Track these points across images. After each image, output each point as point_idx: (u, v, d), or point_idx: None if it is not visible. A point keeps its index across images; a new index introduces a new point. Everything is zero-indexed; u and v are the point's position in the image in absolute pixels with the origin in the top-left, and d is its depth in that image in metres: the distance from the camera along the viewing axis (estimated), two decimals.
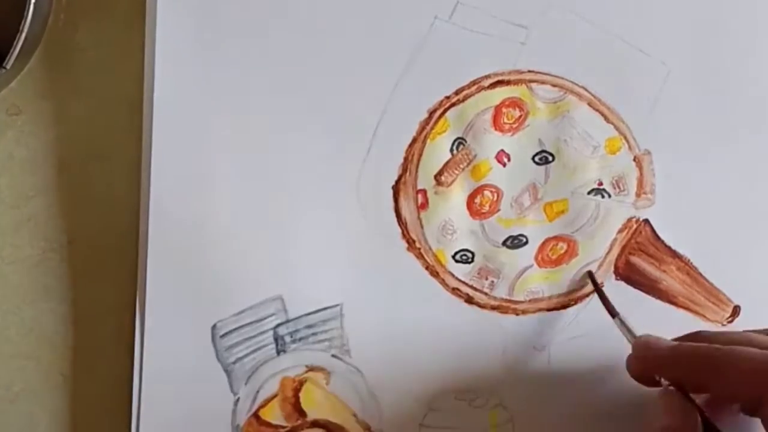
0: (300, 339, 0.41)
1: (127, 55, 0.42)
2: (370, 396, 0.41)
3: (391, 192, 0.42)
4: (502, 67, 0.42)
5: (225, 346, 0.41)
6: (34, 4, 0.39)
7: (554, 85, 0.42)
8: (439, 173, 0.42)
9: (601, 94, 0.42)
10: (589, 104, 0.42)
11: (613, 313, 0.40)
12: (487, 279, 0.42)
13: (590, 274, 0.41)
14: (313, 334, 0.41)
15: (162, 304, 0.41)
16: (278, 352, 0.41)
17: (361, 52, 0.41)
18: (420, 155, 0.42)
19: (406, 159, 0.42)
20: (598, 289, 0.41)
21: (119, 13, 0.42)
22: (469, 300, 0.42)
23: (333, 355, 0.41)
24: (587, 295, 0.42)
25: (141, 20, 0.41)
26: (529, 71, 0.42)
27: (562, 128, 0.42)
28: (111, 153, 0.42)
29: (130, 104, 0.41)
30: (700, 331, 0.38)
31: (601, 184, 0.42)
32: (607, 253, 0.42)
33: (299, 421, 0.41)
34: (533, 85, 0.42)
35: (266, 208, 0.41)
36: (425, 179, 0.42)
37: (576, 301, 0.42)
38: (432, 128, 0.42)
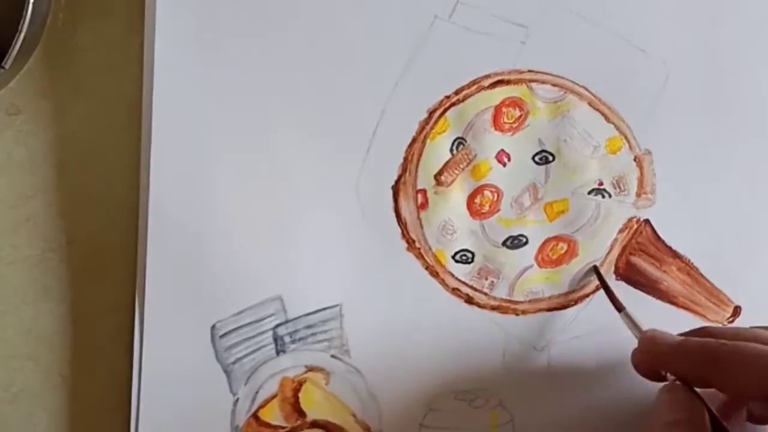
0: (299, 339, 0.41)
1: (126, 54, 0.41)
2: (369, 396, 0.41)
3: (390, 192, 0.41)
4: (502, 67, 0.42)
5: (224, 346, 0.41)
6: (33, 3, 0.39)
7: (554, 85, 0.42)
8: (439, 173, 0.42)
9: (601, 94, 0.42)
10: (590, 104, 0.42)
11: (619, 307, 0.40)
12: (487, 279, 0.42)
13: (596, 269, 0.41)
14: (313, 334, 0.41)
15: (161, 305, 0.41)
16: (278, 353, 0.41)
17: (361, 52, 0.41)
18: (420, 155, 0.42)
19: (405, 159, 0.41)
20: (604, 284, 0.41)
21: (118, 13, 0.42)
22: (469, 300, 0.42)
23: (332, 356, 0.41)
24: (587, 296, 0.42)
25: (140, 20, 0.41)
26: (529, 71, 0.42)
27: (563, 128, 0.42)
28: (110, 153, 0.42)
29: (129, 104, 0.41)
30: (706, 327, 0.38)
31: (601, 184, 0.42)
32: (608, 254, 0.42)
33: (299, 422, 0.41)
34: (533, 84, 0.42)
35: (265, 208, 0.41)
36: (425, 179, 0.42)
37: (576, 301, 0.42)
38: (432, 128, 0.42)
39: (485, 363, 0.41)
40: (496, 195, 0.42)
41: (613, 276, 0.42)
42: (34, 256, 0.41)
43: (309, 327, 0.41)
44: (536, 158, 0.42)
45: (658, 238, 0.42)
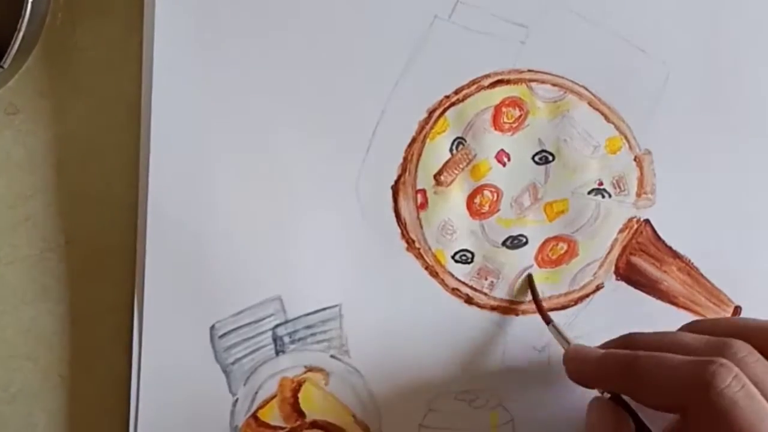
0: (299, 339, 0.41)
1: (125, 54, 0.41)
2: (369, 397, 0.41)
3: (390, 192, 0.41)
4: (502, 67, 0.42)
5: (224, 346, 0.41)
6: (32, 3, 0.39)
7: (554, 85, 0.42)
8: (439, 173, 0.42)
9: (601, 94, 0.42)
10: (590, 104, 0.42)
11: (547, 320, 0.40)
12: (486, 279, 0.42)
13: (530, 278, 0.41)
14: (312, 334, 0.41)
15: (160, 305, 0.40)
16: (277, 353, 0.41)
17: (361, 52, 0.41)
18: (419, 155, 0.41)
19: (405, 159, 0.41)
20: (535, 296, 0.41)
21: (117, 12, 0.41)
22: (469, 300, 0.42)
23: (332, 356, 0.41)
24: (587, 296, 0.42)
25: (139, 20, 0.41)
26: (529, 70, 0.42)
27: (562, 128, 0.42)
28: (109, 152, 0.41)
29: (128, 104, 0.41)
30: (630, 334, 0.38)
31: (601, 184, 0.42)
32: (608, 254, 0.42)
33: (298, 422, 0.41)
34: (533, 84, 0.42)
35: (265, 207, 0.41)
36: (425, 179, 0.42)
37: (576, 301, 0.42)
38: (431, 128, 0.41)
39: (485, 363, 0.41)
40: (495, 195, 0.42)
41: (613, 276, 0.42)
42: (33, 255, 0.41)
43: (308, 327, 0.41)
44: (536, 158, 0.42)
45: (659, 238, 0.42)
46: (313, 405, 0.41)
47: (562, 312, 0.42)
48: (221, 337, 0.41)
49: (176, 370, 0.40)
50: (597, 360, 0.36)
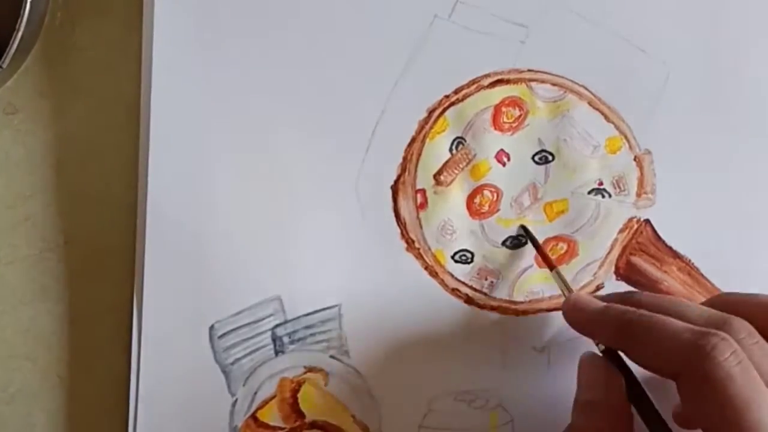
0: (298, 340, 0.41)
1: (124, 54, 0.41)
2: (368, 397, 0.41)
3: (389, 192, 0.41)
4: (502, 66, 0.42)
5: (223, 346, 0.41)
6: (31, 2, 0.39)
7: (554, 84, 0.42)
8: (439, 173, 0.42)
9: (601, 94, 0.42)
10: (589, 103, 0.42)
11: (551, 265, 0.40)
12: (486, 279, 0.42)
13: (523, 228, 0.41)
14: (312, 334, 0.41)
15: (160, 305, 0.40)
16: (276, 353, 0.41)
17: (360, 51, 0.41)
18: (419, 155, 0.41)
19: (405, 158, 0.41)
20: (534, 243, 0.41)
21: (116, 12, 0.41)
22: (469, 300, 0.41)
23: (331, 356, 0.41)
24: None
25: (138, 19, 0.41)
26: (529, 70, 0.42)
27: (562, 127, 0.42)
28: (108, 152, 0.41)
29: (127, 103, 0.41)
30: (633, 292, 0.38)
31: (601, 183, 0.42)
32: (608, 254, 0.42)
33: (297, 423, 0.41)
34: (533, 84, 0.42)
35: (264, 207, 0.41)
36: (424, 179, 0.41)
37: None
38: (431, 127, 0.41)
39: (485, 363, 0.41)
40: (495, 195, 0.42)
41: (614, 276, 0.42)
42: (32, 255, 0.41)
43: (308, 327, 0.41)
44: (536, 158, 0.42)
45: (659, 238, 0.42)
46: (313, 405, 0.41)
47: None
48: (220, 337, 0.41)
49: (175, 370, 0.40)
50: (597, 312, 0.36)
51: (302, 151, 0.41)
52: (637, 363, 0.35)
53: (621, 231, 0.42)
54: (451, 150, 0.42)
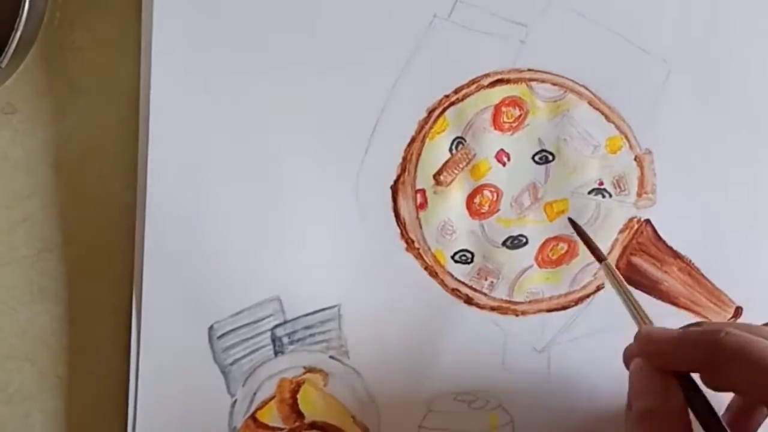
0: (298, 340, 0.41)
1: (123, 54, 0.41)
2: (368, 397, 0.41)
3: (389, 192, 0.41)
4: (502, 66, 0.41)
5: (222, 347, 0.41)
6: (30, 2, 0.39)
7: (554, 84, 0.42)
8: (438, 173, 0.41)
9: (601, 93, 0.42)
10: (590, 103, 0.42)
11: (600, 257, 0.39)
12: (486, 279, 0.42)
13: (570, 220, 0.41)
14: (311, 335, 0.41)
15: (158, 305, 0.40)
16: (276, 354, 0.41)
17: (360, 51, 0.41)
18: (419, 155, 0.41)
19: (404, 158, 0.41)
20: (582, 235, 0.40)
21: (115, 11, 0.41)
22: (469, 301, 0.41)
23: (331, 357, 0.41)
24: (588, 296, 0.42)
25: (137, 19, 0.41)
26: (529, 70, 0.42)
27: (563, 127, 0.42)
28: (107, 152, 0.41)
29: (126, 103, 0.41)
30: (701, 322, 0.37)
31: (601, 183, 0.42)
32: (608, 254, 0.42)
33: (297, 423, 0.41)
34: (533, 83, 0.42)
35: (263, 208, 0.41)
36: (424, 179, 0.41)
37: (576, 302, 0.42)
38: (431, 127, 0.41)
39: (485, 364, 0.41)
40: (495, 195, 0.42)
41: None
42: (31, 256, 0.41)
43: (307, 328, 0.41)
44: (536, 158, 0.42)
45: (659, 238, 0.42)
46: (312, 406, 0.41)
47: (563, 312, 0.42)
48: (220, 337, 0.41)
49: (174, 370, 0.40)
50: (675, 338, 0.34)
51: (301, 151, 0.41)
52: (721, 387, 0.33)
53: (621, 231, 0.42)
54: (450, 150, 0.42)
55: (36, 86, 0.41)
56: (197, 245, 0.41)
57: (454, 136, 0.42)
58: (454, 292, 0.41)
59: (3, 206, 0.41)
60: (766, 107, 0.42)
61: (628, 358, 0.37)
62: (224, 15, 0.41)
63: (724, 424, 0.33)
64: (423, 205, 0.41)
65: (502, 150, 0.42)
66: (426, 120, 0.41)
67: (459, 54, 0.41)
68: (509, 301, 0.42)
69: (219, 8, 0.41)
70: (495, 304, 0.42)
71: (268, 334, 0.41)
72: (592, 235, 0.42)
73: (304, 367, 0.41)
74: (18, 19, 0.38)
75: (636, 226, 0.42)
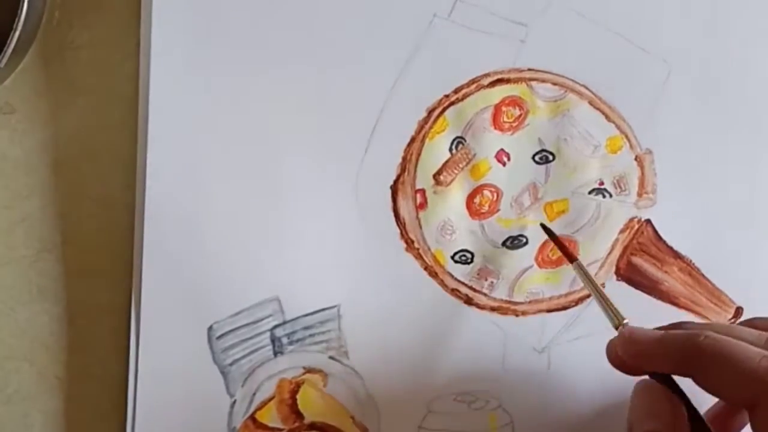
0: (297, 340, 0.41)
1: (122, 53, 0.41)
2: (368, 398, 0.41)
3: (389, 192, 0.41)
4: (502, 66, 0.41)
5: (221, 347, 0.40)
6: (29, 1, 0.39)
7: (554, 84, 0.42)
8: (438, 173, 0.41)
9: (601, 93, 0.42)
10: (590, 103, 0.42)
11: (571, 258, 0.39)
12: (486, 280, 0.41)
13: (542, 226, 0.40)
14: (311, 335, 0.41)
15: (158, 305, 0.40)
16: (275, 354, 0.41)
17: (359, 51, 0.41)
18: (419, 154, 0.41)
19: (404, 158, 0.41)
20: (553, 237, 0.40)
21: (114, 11, 0.41)
22: (469, 301, 0.41)
23: (330, 357, 0.41)
24: (588, 296, 0.42)
25: (136, 18, 0.41)
26: (529, 69, 0.41)
27: (563, 127, 0.42)
28: (106, 152, 0.41)
29: (125, 103, 0.41)
30: (683, 323, 0.36)
31: (602, 183, 0.42)
32: (609, 254, 0.42)
33: (296, 424, 0.41)
34: (533, 83, 0.41)
35: (263, 207, 0.41)
36: (424, 179, 0.41)
37: (577, 302, 0.42)
38: (431, 127, 0.41)
39: (485, 364, 0.41)
40: (495, 195, 0.41)
41: (614, 276, 0.42)
42: (30, 256, 0.41)
43: (307, 328, 0.41)
44: (536, 158, 0.42)
45: (660, 238, 0.42)
46: (312, 406, 0.41)
47: (563, 312, 0.42)
48: (219, 338, 0.40)
49: (174, 371, 0.40)
50: (656, 340, 0.34)
51: (301, 151, 0.41)
52: (705, 389, 0.33)
53: (622, 231, 0.42)
54: (450, 150, 0.41)
55: (35, 86, 0.41)
56: (196, 245, 0.40)
57: (454, 136, 0.41)
58: (454, 292, 0.41)
59: (1, 206, 0.41)
60: (767, 107, 0.42)
61: (611, 353, 0.36)
62: (224, 15, 0.41)
63: (708, 425, 0.33)
64: (423, 205, 0.41)
65: (502, 150, 0.42)
66: (426, 120, 0.41)
67: (459, 54, 0.41)
68: (509, 302, 0.42)
69: (218, 8, 0.41)
70: (495, 304, 0.41)
71: (268, 334, 0.41)
72: (592, 235, 0.42)
73: (304, 368, 0.41)
74: (17, 19, 0.38)
75: (636, 226, 0.42)
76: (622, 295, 0.41)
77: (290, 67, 0.41)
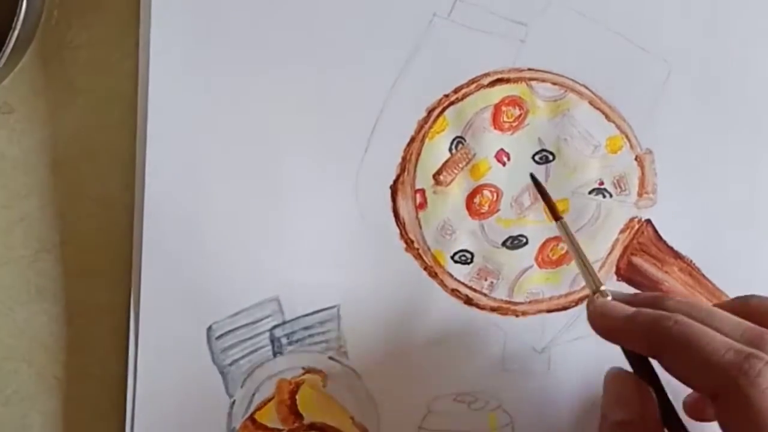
0: (297, 341, 0.41)
1: (121, 52, 0.41)
2: (367, 398, 0.41)
3: (389, 192, 0.41)
4: (502, 65, 0.41)
5: (221, 348, 0.40)
6: (27, 1, 0.38)
7: (554, 83, 0.41)
8: (438, 173, 0.41)
9: (602, 93, 0.42)
10: (590, 103, 0.42)
11: (557, 216, 0.38)
12: (486, 280, 0.41)
13: (532, 176, 0.40)
14: (310, 335, 0.41)
15: (157, 305, 0.40)
16: (275, 354, 0.41)
17: (359, 51, 0.41)
18: (418, 154, 0.41)
19: (404, 158, 0.41)
20: (542, 192, 0.39)
21: (113, 10, 0.41)
22: (468, 301, 0.41)
23: (330, 357, 0.41)
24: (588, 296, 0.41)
25: (135, 18, 0.41)
26: (529, 69, 0.41)
27: (563, 127, 0.41)
28: (105, 152, 0.41)
29: (124, 103, 0.41)
30: (661, 296, 0.36)
31: (602, 183, 0.42)
32: (609, 254, 0.42)
33: (296, 424, 0.41)
34: (533, 83, 0.41)
35: (262, 207, 0.41)
36: (424, 179, 0.41)
37: (577, 302, 0.42)
38: (431, 127, 0.41)
39: (485, 365, 0.41)
40: (495, 195, 0.41)
41: (614, 277, 0.42)
42: (28, 256, 0.41)
43: (306, 328, 0.41)
44: (536, 157, 0.41)
45: (660, 238, 0.42)
46: (311, 407, 0.41)
47: (563, 313, 0.42)
48: (218, 338, 0.40)
49: (173, 371, 0.40)
50: (626, 318, 0.34)
51: (300, 151, 0.41)
52: (669, 373, 0.33)
53: (622, 231, 0.42)
54: (450, 150, 0.41)
55: (33, 85, 0.41)
56: (196, 245, 0.40)
57: (453, 136, 0.41)
58: (454, 292, 0.41)
59: (0, 206, 0.41)
60: (767, 107, 0.42)
61: (589, 322, 0.36)
62: (223, 14, 0.41)
63: (677, 414, 0.34)
64: (422, 205, 0.41)
65: (502, 150, 0.41)
66: (425, 119, 0.41)
67: (459, 53, 0.41)
68: (509, 302, 0.41)
69: (218, 7, 0.41)
70: (495, 304, 0.41)
71: (267, 334, 0.41)
72: (592, 235, 0.41)
73: (303, 368, 0.41)
74: (15, 18, 0.38)
75: (637, 226, 0.42)
76: None
77: (290, 67, 0.41)
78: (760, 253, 0.42)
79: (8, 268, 0.41)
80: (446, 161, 0.41)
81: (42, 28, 0.41)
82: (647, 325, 0.33)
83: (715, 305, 0.36)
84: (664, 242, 0.42)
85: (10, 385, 0.41)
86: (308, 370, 0.41)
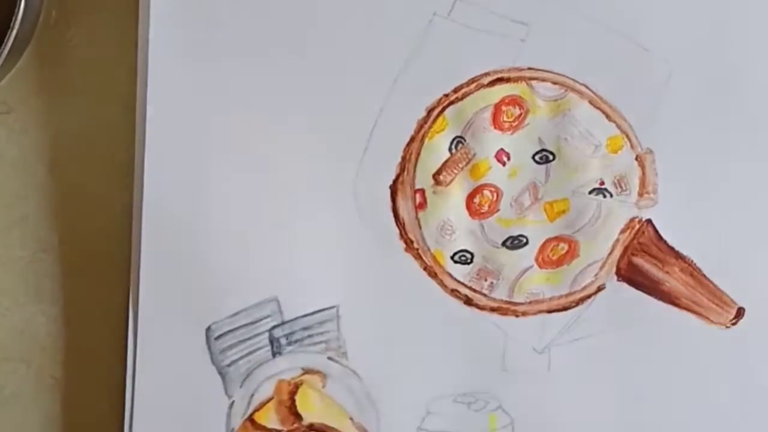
0: (296, 341, 0.41)
1: (120, 52, 0.41)
2: (367, 399, 0.41)
3: (388, 192, 0.41)
4: (502, 65, 0.41)
5: (220, 348, 0.40)
6: (26, 1, 0.38)
7: (555, 83, 0.41)
8: (438, 172, 0.41)
9: (602, 92, 0.41)
10: (591, 102, 0.41)
11: None
12: (486, 280, 0.41)
13: None
14: (309, 336, 0.41)
15: (155, 306, 0.40)
16: (274, 355, 0.41)
17: (359, 50, 0.41)
18: (418, 154, 0.41)
19: (403, 158, 0.41)
20: None
21: (112, 9, 0.41)
22: (468, 301, 0.41)
23: (329, 358, 0.41)
24: (588, 297, 0.42)
25: (134, 17, 0.41)
26: (529, 69, 0.41)
27: (563, 127, 0.41)
28: (104, 152, 0.41)
29: (123, 102, 0.41)
30: None
31: (602, 183, 0.41)
32: (609, 254, 0.42)
33: (295, 425, 0.41)
34: (533, 82, 0.41)
35: (261, 208, 0.41)
36: (423, 179, 0.41)
37: (577, 302, 0.41)
38: (430, 127, 0.41)
39: (484, 365, 0.41)
40: (495, 195, 0.41)
41: (615, 277, 0.42)
42: (27, 256, 0.41)
43: (305, 329, 0.41)
44: (536, 157, 0.41)
45: (661, 238, 0.42)
46: (310, 407, 0.41)
47: (563, 313, 0.41)
48: (217, 338, 0.40)
49: (172, 371, 0.40)
50: None
51: (300, 151, 0.41)
52: None
53: (622, 231, 0.42)
54: (450, 149, 0.41)
55: (32, 85, 0.41)
56: (194, 245, 0.40)
57: (453, 136, 0.41)
58: (454, 292, 0.41)
59: None
60: None
61: None
62: (222, 14, 0.41)
63: None
64: (422, 205, 0.41)
65: (502, 149, 0.41)
66: (425, 119, 0.41)
67: (458, 52, 0.41)
68: (509, 302, 0.41)
69: (217, 7, 0.41)
70: (495, 304, 0.41)
71: (266, 335, 0.41)
72: (593, 235, 0.41)
73: (302, 369, 0.41)
74: (14, 18, 0.38)
75: (637, 226, 0.42)
76: (623, 295, 0.41)
77: (289, 67, 0.41)
78: (762, 253, 0.42)
79: (6, 269, 0.41)
80: (446, 161, 0.41)
81: (40, 28, 0.41)
82: None
83: None
84: (665, 242, 0.42)
85: (9, 386, 0.41)
86: (307, 371, 0.41)
